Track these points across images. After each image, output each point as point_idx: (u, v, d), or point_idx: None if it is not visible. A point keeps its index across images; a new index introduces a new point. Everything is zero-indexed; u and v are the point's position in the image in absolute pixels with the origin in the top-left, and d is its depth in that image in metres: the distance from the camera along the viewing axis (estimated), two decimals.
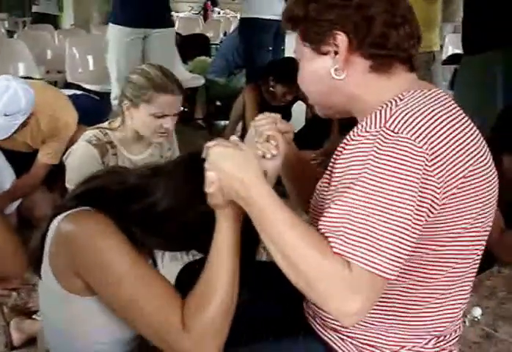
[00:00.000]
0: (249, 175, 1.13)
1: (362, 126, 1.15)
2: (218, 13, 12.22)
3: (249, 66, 4.69)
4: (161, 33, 4.08)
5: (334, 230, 1.07)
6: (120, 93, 2.40)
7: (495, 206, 1.26)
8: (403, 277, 1.17)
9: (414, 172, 1.06)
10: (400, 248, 1.04)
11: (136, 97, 2.27)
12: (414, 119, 1.11)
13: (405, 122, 1.10)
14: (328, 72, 1.23)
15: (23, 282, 2.57)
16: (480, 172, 1.18)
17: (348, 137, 1.17)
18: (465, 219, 1.16)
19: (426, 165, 1.07)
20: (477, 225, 1.20)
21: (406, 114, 1.12)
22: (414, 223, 1.05)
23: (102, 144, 2.35)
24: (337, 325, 1.29)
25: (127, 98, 2.30)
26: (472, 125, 1.23)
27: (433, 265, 1.19)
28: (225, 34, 9.28)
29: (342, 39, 1.20)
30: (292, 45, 1.45)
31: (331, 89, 1.26)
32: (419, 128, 1.09)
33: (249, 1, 4.41)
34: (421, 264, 1.18)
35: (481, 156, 1.20)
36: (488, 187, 1.20)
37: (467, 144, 1.16)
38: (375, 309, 1.20)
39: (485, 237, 1.27)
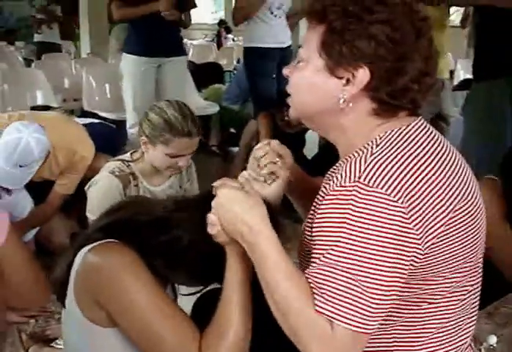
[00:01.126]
0: (256, 221, 1.15)
1: (338, 179, 1.11)
2: (233, 40, 12.33)
3: (254, 94, 4.71)
4: (173, 61, 4.15)
5: (317, 286, 1.08)
6: (138, 124, 2.44)
7: (484, 238, 1.25)
8: (398, 314, 1.19)
9: (392, 228, 1.05)
10: (381, 304, 1.06)
11: (154, 136, 2.31)
12: (389, 171, 1.08)
13: (379, 175, 1.07)
14: (333, 97, 1.17)
15: (42, 310, 2.60)
16: (464, 212, 1.15)
17: (324, 189, 1.16)
18: (452, 261, 1.16)
19: (404, 218, 1.05)
20: (467, 263, 1.19)
21: (381, 165, 1.09)
22: (395, 277, 1.06)
23: (124, 176, 2.40)
24: None
25: (144, 134, 2.34)
26: (455, 156, 1.19)
27: (427, 301, 1.19)
28: (238, 61, 9.36)
29: (364, 75, 1.14)
30: None
31: (326, 111, 1.21)
32: (394, 181, 1.07)
33: (251, 31, 4.45)
34: (414, 302, 1.19)
35: (465, 192, 1.16)
36: (474, 223, 1.18)
37: (447, 186, 1.12)
38: (379, 348, 1.22)
39: (479, 269, 1.26)
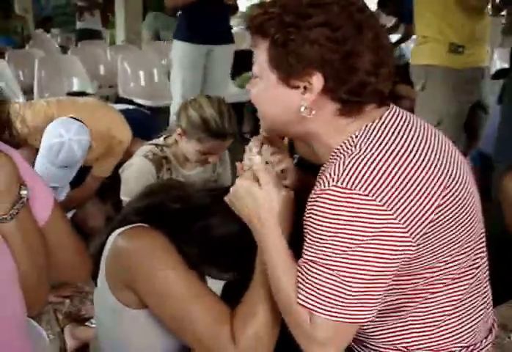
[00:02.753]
0: (266, 215, 1.20)
1: (320, 183, 1.12)
2: None
3: None
4: (223, 48, 4.16)
5: (301, 279, 1.13)
6: (177, 114, 2.44)
7: (480, 220, 1.25)
8: (408, 305, 1.22)
9: (375, 227, 1.06)
10: (362, 295, 1.09)
11: (189, 132, 2.34)
12: (366, 172, 1.08)
13: (356, 177, 1.07)
14: (294, 107, 1.16)
15: (76, 290, 2.66)
16: (454, 195, 1.13)
17: (313, 191, 1.16)
18: (450, 246, 1.17)
19: (386, 216, 1.06)
20: (466, 244, 1.20)
21: (358, 166, 1.09)
22: (380, 272, 1.08)
23: (158, 159, 2.44)
24: (370, 345, 1.31)
25: (181, 127, 2.36)
26: (437, 139, 1.18)
27: (436, 287, 1.21)
28: None
29: (317, 80, 1.12)
30: None
31: (293, 121, 1.20)
32: (372, 181, 1.07)
33: None
34: (424, 289, 1.20)
35: (451, 173, 1.15)
36: (466, 203, 1.17)
37: (431, 173, 1.11)
38: (396, 335, 1.25)
39: (483, 247, 1.27)
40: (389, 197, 1.06)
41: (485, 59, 3.12)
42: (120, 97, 5.35)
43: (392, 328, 1.25)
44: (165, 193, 1.48)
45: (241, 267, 1.33)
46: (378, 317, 1.18)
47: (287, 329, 1.19)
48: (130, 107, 3.87)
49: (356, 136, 1.16)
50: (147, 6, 8.56)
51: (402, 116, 1.20)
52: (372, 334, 1.27)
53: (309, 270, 1.12)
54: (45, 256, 1.03)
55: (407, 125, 1.18)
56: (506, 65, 5.05)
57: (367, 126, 1.16)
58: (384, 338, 1.27)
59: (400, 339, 1.25)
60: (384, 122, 1.17)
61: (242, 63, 6.52)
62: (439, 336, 1.24)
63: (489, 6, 3.31)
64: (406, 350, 1.26)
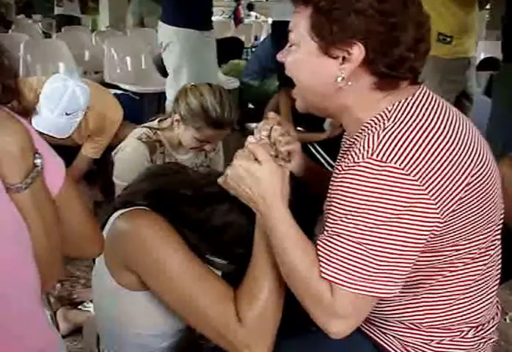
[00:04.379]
0: (270, 193, 1.18)
1: (352, 156, 1.12)
2: (256, 17, 12.24)
3: (282, 68, 4.68)
4: (212, 34, 4.16)
5: (324, 252, 1.12)
6: (174, 101, 2.42)
7: (501, 202, 1.27)
8: (425, 282, 1.23)
9: (408, 201, 1.06)
10: (389, 270, 1.09)
11: (187, 119, 2.32)
12: (401, 146, 1.09)
13: (392, 150, 1.08)
14: (331, 77, 1.16)
15: (67, 275, 2.66)
16: (480, 175, 1.15)
17: (339, 167, 1.16)
18: (475, 225, 1.18)
19: (419, 190, 1.07)
20: (488, 225, 1.22)
21: (393, 140, 1.09)
22: (409, 247, 1.09)
23: (151, 142, 2.43)
24: (379, 322, 1.32)
25: (179, 114, 2.35)
26: (464, 121, 1.19)
27: (455, 266, 1.22)
28: (256, 39, 9.33)
29: (359, 51, 1.12)
30: None
31: (328, 93, 1.20)
32: (407, 155, 1.07)
33: (281, 4, 4.41)
34: (443, 267, 1.22)
35: (478, 156, 1.16)
36: (491, 186, 1.19)
37: (462, 152, 1.13)
38: (408, 312, 1.26)
39: (499, 232, 1.29)
40: (423, 172, 1.07)
41: (472, 50, 3.16)
42: (106, 82, 5.31)
43: (405, 304, 1.26)
44: (170, 177, 1.47)
45: (242, 257, 1.33)
46: None
47: (291, 304, 1.20)
48: (119, 92, 3.87)
49: (390, 111, 1.16)
50: None
51: (433, 96, 1.21)
52: (383, 310, 1.28)
53: (335, 244, 1.11)
54: (59, 229, 1.01)
55: (438, 105, 1.19)
56: (490, 55, 5.09)
57: (400, 102, 1.17)
58: (396, 314, 1.28)
59: (411, 316, 1.27)
60: (416, 100, 1.18)
61: (228, 50, 6.55)
62: (450, 315, 1.26)
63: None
64: (416, 327, 1.27)
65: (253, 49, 7.74)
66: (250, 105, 5.94)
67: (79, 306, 2.45)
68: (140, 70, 5.44)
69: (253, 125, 5.56)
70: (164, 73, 5.53)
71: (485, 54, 6.64)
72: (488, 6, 6.51)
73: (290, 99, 4.23)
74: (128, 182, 2.34)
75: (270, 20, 9.08)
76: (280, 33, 4.86)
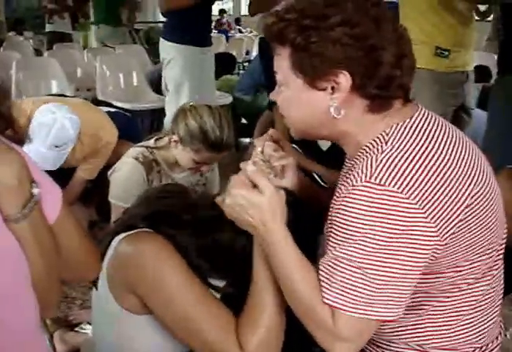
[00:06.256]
0: (270, 219, 1.17)
1: (351, 180, 1.12)
2: (240, 32, 12.32)
3: (272, 84, 4.69)
4: (211, 51, 4.17)
5: (324, 277, 1.13)
6: (172, 121, 2.40)
7: (503, 220, 1.26)
8: (427, 303, 1.23)
9: (406, 225, 1.06)
10: (389, 293, 1.09)
11: (186, 141, 2.29)
12: (399, 169, 1.09)
13: (390, 174, 1.08)
14: (323, 108, 1.17)
15: (63, 295, 2.62)
16: (481, 195, 1.15)
17: (339, 190, 1.16)
18: (476, 246, 1.17)
19: (418, 214, 1.06)
20: (490, 245, 1.21)
21: (391, 163, 1.10)
22: (409, 271, 1.09)
23: (148, 162, 2.41)
24: (383, 343, 1.30)
25: (178, 135, 2.32)
26: (463, 141, 1.19)
27: (458, 287, 1.21)
28: (247, 53, 9.38)
29: (345, 78, 1.13)
30: None
31: (324, 123, 1.21)
32: (405, 178, 1.08)
33: None
34: (443, 290, 1.21)
35: (479, 175, 1.16)
36: (492, 205, 1.18)
37: (461, 174, 1.13)
38: (412, 333, 1.25)
39: (502, 249, 1.28)
40: (422, 196, 1.07)
41: (470, 63, 3.15)
42: (99, 100, 5.29)
43: (409, 326, 1.25)
44: (170, 199, 1.46)
45: (242, 278, 1.31)
46: None
47: (293, 325, 1.20)
48: (112, 110, 3.84)
49: (387, 134, 1.16)
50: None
51: (431, 117, 1.21)
52: (387, 332, 1.27)
53: (334, 268, 1.11)
54: (57, 256, 1.01)
55: (437, 126, 1.19)
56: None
57: (398, 124, 1.17)
58: (399, 335, 1.27)
59: (415, 337, 1.25)
60: (414, 122, 1.18)
61: (220, 66, 6.55)
62: (455, 336, 1.25)
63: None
64: (421, 348, 1.26)
65: (245, 64, 7.77)
66: (243, 120, 5.93)
67: (76, 328, 2.42)
68: (132, 87, 5.43)
69: (246, 140, 5.57)
70: (158, 90, 5.54)
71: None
72: (491, 18, 6.50)
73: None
74: (124, 202, 2.35)
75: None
76: (267, 49, 4.90)
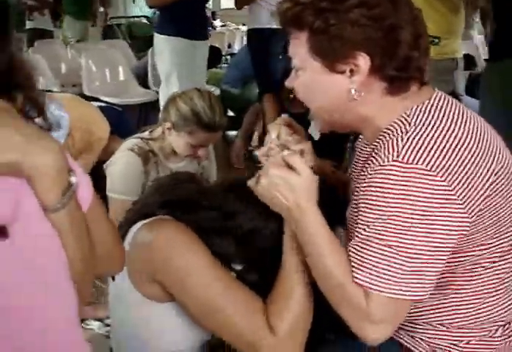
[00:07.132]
0: (306, 201, 1.17)
1: (377, 161, 1.14)
2: (223, 26, 12.21)
3: (261, 75, 4.68)
4: (205, 44, 4.16)
5: (356, 258, 1.13)
6: (163, 110, 2.42)
7: None
8: (453, 283, 1.23)
9: (436, 202, 1.08)
10: (421, 272, 1.10)
11: (179, 125, 2.33)
12: (426, 148, 1.10)
13: (417, 152, 1.09)
14: (343, 91, 1.18)
15: None
16: (504, 172, 1.17)
17: (365, 172, 1.17)
18: (502, 222, 1.19)
19: (446, 190, 1.08)
20: None
21: (417, 142, 1.11)
22: (439, 248, 1.10)
23: (144, 153, 2.41)
24: (407, 326, 1.31)
25: (170, 121, 2.34)
26: (480, 121, 1.22)
27: (483, 265, 1.22)
28: (229, 46, 9.32)
29: (364, 60, 1.14)
30: None
31: (344, 108, 1.21)
32: (432, 156, 1.09)
33: (257, 13, 4.41)
34: (469, 269, 1.22)
35: (499, 154, 1.19)
36: None
37: (483, 152, 1.15)
38: (438, 313, 1.26)
39: None
40: (450, 173, 1.08)
41: (459, 50, 3.19)
42: (86, 95, 5.26)
43: (434, 305, 1.26)
44: (184, 186, 1.45)
45: (266, 264, 1.31)
46: None
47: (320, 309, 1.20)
48: (102, 104, 3.83)
49: (408, 115, 1.18)
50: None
51: (449, 99, 1.23)
52: (412, 312, 1.27)
53: (365, 249, 1.12)
54: (92, 247, 0.98)
55: (455, 107, 1.20)
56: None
57: (418, 106, 1.18)
58: (424, 315, 1.27)
59: (440, 317, 1.26)
60: (433, 103, 1.19)
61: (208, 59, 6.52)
62: (479, 314, 1.26)
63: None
64: (444, 327, 1.27)
65: (227, 57, 7.73)
66: (230, 113, 5.92)
67: (82, 324, 2.38)
68: (119, 82, 5.40)
69: (233, 132, 5.56)
70: (144, 84, 5.52)
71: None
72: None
73: (275, 104, 4.23)
74: (123, 195, 2.34)
75: (243, 28, 9.10)
76: (256, 41, 4.90)
